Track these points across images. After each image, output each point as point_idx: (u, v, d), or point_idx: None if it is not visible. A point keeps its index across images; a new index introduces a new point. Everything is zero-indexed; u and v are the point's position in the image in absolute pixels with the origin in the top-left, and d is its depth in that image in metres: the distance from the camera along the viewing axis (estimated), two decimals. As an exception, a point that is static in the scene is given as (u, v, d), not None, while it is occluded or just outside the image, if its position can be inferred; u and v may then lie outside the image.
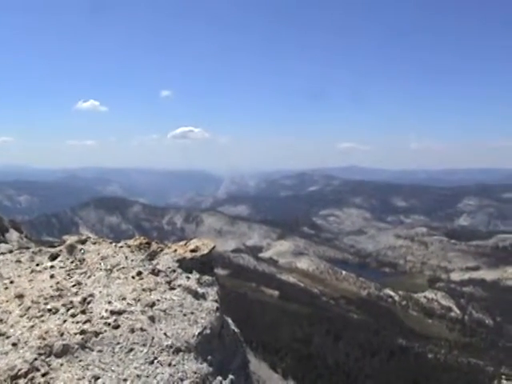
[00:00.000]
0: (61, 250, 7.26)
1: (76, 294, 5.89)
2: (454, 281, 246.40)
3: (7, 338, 5.07)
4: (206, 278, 6.66)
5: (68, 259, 6.97)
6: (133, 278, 6.24)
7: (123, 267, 6.48)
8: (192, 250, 6.94)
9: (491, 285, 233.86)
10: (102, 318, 5.38)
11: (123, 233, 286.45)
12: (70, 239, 7.36)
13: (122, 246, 7.13)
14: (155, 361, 5.00)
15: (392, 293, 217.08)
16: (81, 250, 7.11)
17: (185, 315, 5.75)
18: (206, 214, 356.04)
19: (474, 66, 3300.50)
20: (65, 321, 5.33)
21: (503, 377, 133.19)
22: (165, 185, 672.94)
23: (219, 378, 5.53)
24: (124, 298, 5.75)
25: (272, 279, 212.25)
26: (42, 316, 5.46)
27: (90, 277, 6.33)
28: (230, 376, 5.88)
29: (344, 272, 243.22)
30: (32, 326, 5.24)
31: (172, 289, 6.17)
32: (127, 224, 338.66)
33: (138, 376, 4.76)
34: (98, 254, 6.92)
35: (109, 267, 6.50)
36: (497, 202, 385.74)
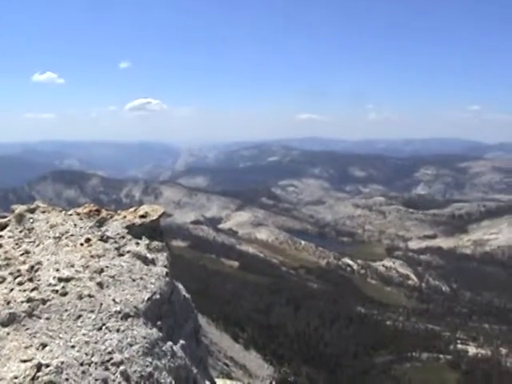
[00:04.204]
0: (10, 220, 7.14)
1: (24, 262, 5.80)
2: (412, 249, 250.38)
3: (-49, 307, 4.99)
4: (156, 243, 6.60)
5: (17, 229, 6.85)
6: (81, 245, 6.16)
7: (72, 235, 6.39)
8: (141, 216, 6.87)
9: (448, 253, 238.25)
10: (49, 285, 5.30)
11: (81, 206, 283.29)
12: (20, 208, 7.22)
13: (71, 214, 7.04)
14: (103, 327, 4.96)
15: (351, 262, 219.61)
16: (30, 219, 7.00)
17: (134, 281, 5.71)
18: (165, 186, 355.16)
19: (433, 36, 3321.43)
20: (12, 289, 5.25)
21: (459, 341, 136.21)
22: (123, 157, 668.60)
23: (169, 343, 5.51)
24: (72, 265, 5.68)
25: (232, 250, 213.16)
26: (-12, 285, 5.38)
27: (38, 245, 6.23)
28: (181, 341, 5.87)
29: (303, 242, 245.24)
30: (-22, 296, 5.16)
31: (121, 255, 6.10)
32: (85, 197, 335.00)
33: (87, 342, 4.72)
34: (47, 222, 6.81)
35: (57, 235, 6.41)
36: (453, 171, 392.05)
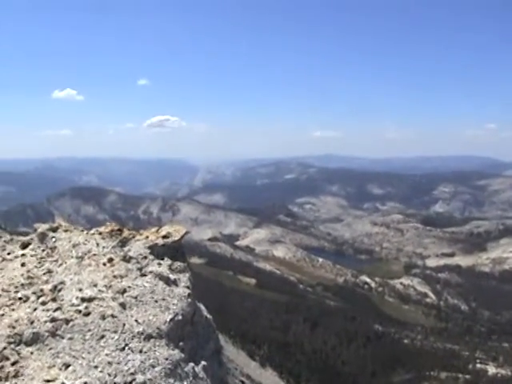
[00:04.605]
0: (32, 239, 7.21)
1: (47, 281, 5.86)
2: (430, 267, 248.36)
3: (-23, 327, 5.03)
4: (178, 264, 6.63)
5: (39, 247, 6.93)
6: (104, 264, 6.21)
7: (94, 254, 6.45)
8: (164, 237, 6.92)
9: (466, 271, 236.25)
10: (72, 305, 5.35)
11: (99, 223, 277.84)
12: (42, 227, 7.30)
13: (93, 234, 7.10)
14: (126, 347, 4.98)
15: (368, 279, 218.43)
16: (52, 238, 7.05)
17: (156, 301, 5.74)
18: (183, 203, 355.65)
19: (448, 55, 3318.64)
20: (35, 309, 5.30)
21: (478, 361, 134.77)
22: (141, 174, 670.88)
23: (191, 364, 5.53)
24: (95, 285, 5.73)
25: (249, 267, 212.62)
26: (12, 304, 5.43)
27: (61, 264, 6.29)
28: (203, 362, 5.88)
29: (321, 259, 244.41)
30: (2, 315, 5.21)
31: (143, 275, 6.15)
32: (103, 214, 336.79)
33: (109, 363, 4.74)
34: (70, 241, 6.87)
35: (80, 254, 6.46)
36: (472, 189, 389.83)
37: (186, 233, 7.17)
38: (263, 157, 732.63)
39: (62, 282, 5.79)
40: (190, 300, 6.09)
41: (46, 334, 4.92)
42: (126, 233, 6.96)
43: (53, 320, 5.07)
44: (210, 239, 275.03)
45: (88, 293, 5.55)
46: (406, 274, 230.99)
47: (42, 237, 7.11)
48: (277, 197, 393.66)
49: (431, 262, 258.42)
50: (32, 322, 5.04)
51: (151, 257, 6.54)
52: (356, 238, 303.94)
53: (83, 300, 5.41)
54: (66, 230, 7.27)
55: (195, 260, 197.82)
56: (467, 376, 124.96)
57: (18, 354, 4.71)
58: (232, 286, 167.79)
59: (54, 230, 7.27)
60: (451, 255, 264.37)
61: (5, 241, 7.54)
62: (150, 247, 6.68)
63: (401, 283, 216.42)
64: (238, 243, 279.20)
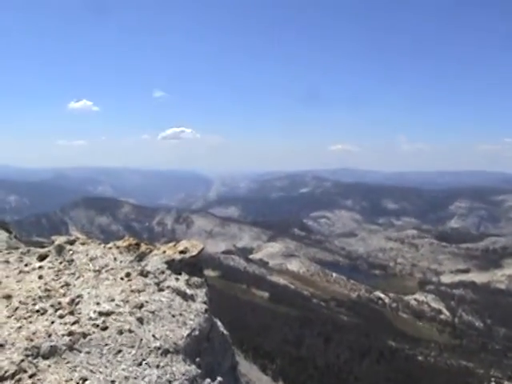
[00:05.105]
0: (49, 251, 7.24)
1: (64, 294, 5.88)
2: (445, 283, 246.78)
3: (-6, 339, 5.05)
4: (195, 279, 6.65)
5: (57, 260, 6.96)
6: (121, 279, 6.23)
7: (112, 268, 6.47)
8: (181, 252, 6.93)
9: (481, 287, 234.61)
10: (90, 319, 5.37)
11: (113, 233, 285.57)
12: (59, 240, 7.33)
13: (110, 247, 7.11)
14: (143, 362, 5.00)
15: (382, 295, 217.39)
16: (69, 251, 7.09)
17: (173, 316, 5.75)
18: (197, 215, 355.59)
19: (464, 70, 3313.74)
20: (53, 322, 5.32)
21: (493, 379, 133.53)
22: (155, 185, 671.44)
23: (208, 380, 5.53)
24: (112, 300, 5.74)
25: (262, 281, 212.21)
26: (29, 317, 5.45)
27: (78, 278, 6.32)
28: (219, 378, 5.88)
29: (334, 274, 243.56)
30: (20, 327, 5.22)
31: (161, 290, 6.16)
32: (117, 224, 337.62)
33: (126, 378, 4.76)
34: (87, 254, 6.90)
35: (97, 268, 6.49)
36: (488, 204, 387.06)
37: (203, 248, 7.18)
38: (278, 169, 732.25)
39: (80, 296, 5.81)
40: (206, 315, 6.11)
41: (64, 347, 4.93)
42: (143, 247, 6.97)
43: (70, 333, 5.08)
44: (223, 252, 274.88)
45: (105, 307, 5.57)
46: (421, 290, 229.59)
47: (60, 249, 7.14)
48: (291, 210, 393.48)
49: (446, 278, 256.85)
50: (50, 335, 5.05)
51: (168, 272, 6.55)
52: (370, 253, 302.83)
53: (101, 314, 5.43)
54: (83, 243, 7.29)
55: (209, 273, 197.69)
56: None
57: (36, 366, 4.71)
58: (245, 299, 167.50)
59: (72, 242, 7.30)
60: (466, 271, 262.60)
61: (22, 252, 7.58)
62: (167, 262, 6.69)
63: (415, 299, 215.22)
64: (251, 256, 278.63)
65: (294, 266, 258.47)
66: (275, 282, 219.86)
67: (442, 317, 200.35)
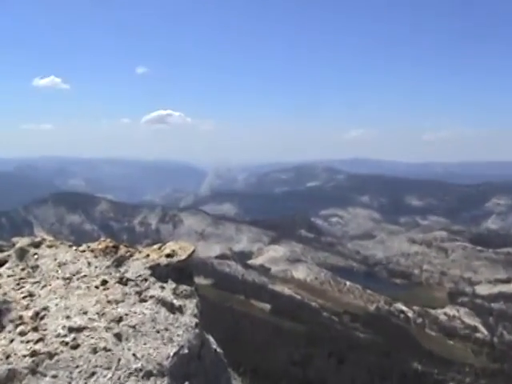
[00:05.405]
0: (9, 255, 7.14)
1: (27, 307, 5.78)
2: (481, 295, 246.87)
3: None
4: (184, 288, 6.57)
5: (18, 266, 6.86)
6: (96, 287, 6.15)
7: (85, 275, 6.39)
8: (167, 255, 6.83)
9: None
10: (58, 336, 5.28)
11: (87, 234, 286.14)
12: (21, 242, 7.23)
13: (83, 251, 7.02)
14: (122, 387, 4.93)
15: (405, 308, 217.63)
16: (34, 255, 7.00)
17: (158, 332, 5.67)
18: (186, 214, 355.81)
19: (493, 52, 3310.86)
20: (12, 340, 5.22)
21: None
22: (137, 178, 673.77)
23: (198, 407, 5.48)
24: (85, 312, 5.66)
25: (263, 291, 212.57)
26: (-18, 335, 5.37)
27: (44, 287, 6.22)
28: (212, 405, 5.84)
29: (348, 283, 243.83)
30: (-28, 347, 5.15)
31: (143, 301, 6.08)
32: (92, 224, 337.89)
33: (101, 406, 4.70)
34: (55, 259, 6.81)
35: (67, 275, 6.41)
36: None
37: (194, 251, 7.07)
38: (282, 160, 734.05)
39: (46, 308, 5.72)
40: (197, 331, 6.02)
41: (25, 370, 4.84)
42: (122, 250, 6.87)
43: (33, 354, 4.99)
44: (217, 257, 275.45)
45: (77, 321, 5.48)
46: (452, 303, 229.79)
47: (22, 253, 7.04)
48: (297, 208, 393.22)
49: (482, 290, 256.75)
50: (8, 357, 4.95)
51: (152, 279, 6.46)
52: (391, 258, 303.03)
53: (71, 330, 5.35)
54: (50, 246, 7.19)
55: (200, 281, 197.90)
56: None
57: (-10, 395, 4.65)
58: (243, 311, 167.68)
59: (37, 245, 7.20)
60: (507, 281, 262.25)
61: (-25, 258, 7.50)
62: (151, 267, 6.60)
63: (445, 314, 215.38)
64: (250, 262, 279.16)
65: (300, 273, 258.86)
66: (278, 291, 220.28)
67: (478, 335, 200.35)
